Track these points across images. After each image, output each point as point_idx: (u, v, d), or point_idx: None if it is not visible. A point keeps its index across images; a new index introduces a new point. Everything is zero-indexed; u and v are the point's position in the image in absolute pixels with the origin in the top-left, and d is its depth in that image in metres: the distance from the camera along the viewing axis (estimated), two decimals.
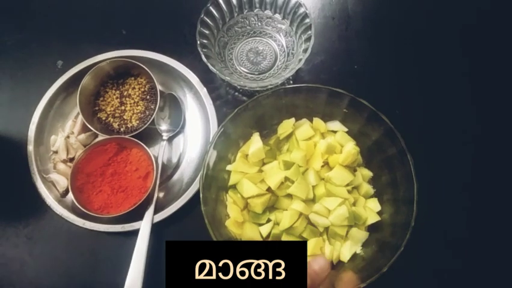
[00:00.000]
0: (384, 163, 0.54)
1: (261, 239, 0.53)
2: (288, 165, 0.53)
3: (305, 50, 0.59)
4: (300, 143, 0.55)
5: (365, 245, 0.53)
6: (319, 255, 0.51)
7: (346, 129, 0.57)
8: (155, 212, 0.58)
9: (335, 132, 0.57)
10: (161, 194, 0.61)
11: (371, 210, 0.54)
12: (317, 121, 0.58)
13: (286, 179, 0.53)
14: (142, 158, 0.61)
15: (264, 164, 0.56)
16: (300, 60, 0.59)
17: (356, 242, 0.53)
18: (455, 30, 0.69)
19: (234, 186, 0.55)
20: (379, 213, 0.53)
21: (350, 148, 0.54)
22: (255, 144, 0.55)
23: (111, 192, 0.59)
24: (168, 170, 0.63)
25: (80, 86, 0.62)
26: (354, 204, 0.54)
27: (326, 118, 0.58)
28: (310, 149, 0.55)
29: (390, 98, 0.64)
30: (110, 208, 0.59)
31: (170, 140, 0.64)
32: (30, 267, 0.59)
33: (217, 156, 0.54)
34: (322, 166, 0.54)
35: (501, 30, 0.69)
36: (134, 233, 0.57)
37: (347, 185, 0.53)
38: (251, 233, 0.52)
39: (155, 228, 0.58)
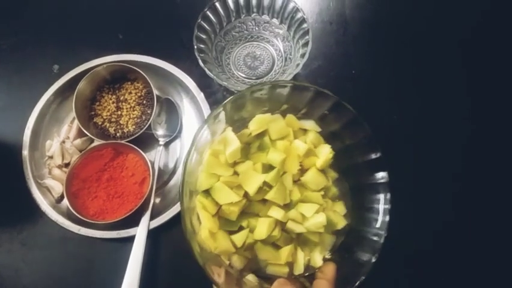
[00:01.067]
0: (351, 168, 0.52)
1: (234, 250, 0.47)
2: (265, 168, 0.48)
3: (303, 55, 0.59)
4: (277, 143, 0.50)
5: (333, 250, 0.50)
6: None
7: (319, 129, 0.52)
8: (152, 218, 0.58)
9: (305, 130, 0.53)
10: (157, 200, 0.61)
11: (338, 214, 0.50)
12: (290, 117, 0.52)
13: (264, 183, 0.47)
14: (138, 164, 0.60)
15: (236, 164, 0.49)
16: (298, 65, 0.59)
17: (326, 247, 0.50)
18: (453, 35, 0.69)
19: (206, 191, 0.48)
20: (345, 216, 0.51)
21: (326, 152, 0.50)
22: (232, 143, 0.48)
23: (107, 198, 0.59)
24: (165, 176, 0.63)
25: (76, 90, 0.61)
26: (325, 209, 0.50)
27: (301, 116, 0.53)
28: (287, 150, 0.49)
29: (388, 102, 0.64)
30: (106, 214, 0.58)
31: (166, 145, 0.64)
32: (24, 274, 0.59)
33: (196, 157, 0.47)
34: (298, 169, 0.49)
35: (502, 34, 0.69)
36: (130, 239, 0.56)
37: (321, 189, 0.50)
38: (225, 243, 0.46)
39: (152, 234, 0.57)
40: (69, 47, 0.70)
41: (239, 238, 0.47)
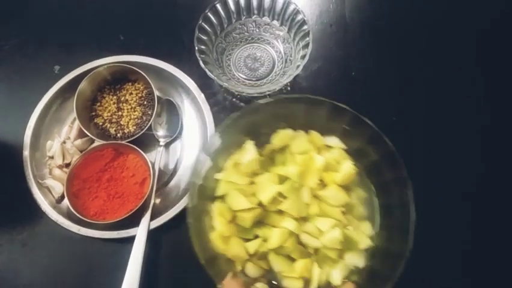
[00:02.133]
0: (382, 186, 0.52)
1: (246, 257, 0.49)
2: (282, 180, 0.50)
3: (303, 57, 0.59)
4: (296, 156, 0.52)
5: (355, 270, 0.50)
6: None
7: (344, 147, 0.54)
8: (152, 218, 0.58)
9: (330, 147, 0.54)
10: (157, 200, 0.61)
11: (363, 234, 0.50)
12: (314, 134, 0.54)
13: (279, 194, 0.49)
14: (138, 164, 0.61)
15: (255, 174, 0.52)
16: (298, 66, 0.59)
17: (349, 266, 0.49)
18: (454, 36, 0.70)
19: (222, 197, 0.51)
20: (371, 238, 0.51)
21: (348, 168, 0.51)
22: (249, 153, 0.51)
23: (107, 198, 0.59)
24: (165, 176, 0.63)
25: (77, 91, 0.61)
26: (346, 226, 0.50)
27: (324, 132, 0.55)
28: (306, 164, 0.51)
29: (388, 104, 0.64)
30: (106, 214, 0.58)
31: (167, 146, 0.64)
32: (24, 274, 0.59)
33: (209, 163, 0.51)
34: (317, 184, 0.51)
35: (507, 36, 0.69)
36: (130, 239, 0.56)
37: (341, 206, 0.50)
38: (237, 248, 0.49)
39: (152, 234, 0.57)
40: (70, 47, 0.70)
41: (252, 245, 0.49)
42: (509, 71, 0.67)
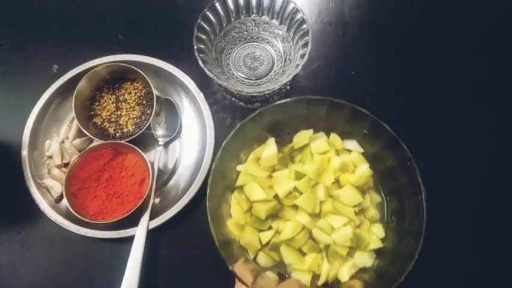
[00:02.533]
0: (395, 191, 0.54)
1: (259, 246, 0.52)
2: (299, 176, 0.52)
3: (302, 56, 0.59)
4: (315, 156, 0.55)
5: (363, 269, 0.52)
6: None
7: (362, 150, 0.56)
8: (151, 218, 0.58)
9: (350, 151, 0.57)
10: (157, 200, 0.61)
11: (374, 235, 0.53)
12: (334, 137, 0.57)
13: (295, 189, 0.52)
14: (137, 164, 0.60)
15: (274, 170, 0.56)
16: (297, 65, 0.59)
17: (358, 265, 0.52)
18: (453, 35, 0.70)
19: (240, 187, 0.55)
20: (382, 240, 0.53)
21: (363, 170, 0.53)
22: (270, 149, 0.54)
23: (106, 198, 0.59)
24: (164, 176, 0.63)
25: (76, 90, 0.61)
26: (358, 226, 0.53)
27: (344, 136, 0.57)
28: (324, 163, 0.54)
29: (387, 103, 0.64)
30: (105, 214, 0.58)
31: (166, 145, 0.64)
32: (23, 274, 0.58)
33: (229, 153, 0.53)
34: (333, 183, 0.54)
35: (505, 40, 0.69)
36: (129, 239, 0.56)
37: (355, 206, 0.52)
38: (251, 237, 0.52)
39: (151, 234, 0.57)
40: (69, 47, 0.70)
41: (265, 236, 0.52)
42: (510, 70, 0.67)
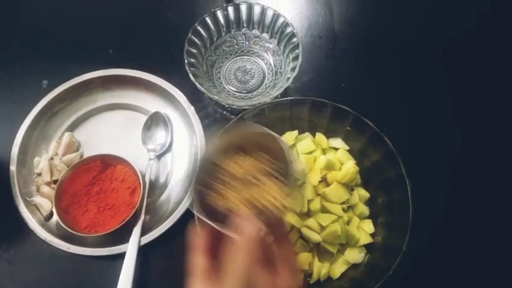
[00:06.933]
0: (382, 185, 0.55)
1: None
2: None
3: (293, 69, 0.59)
4: (301, 156, 0.56)
5: (354, 265, 0.53)
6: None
7: (347, 148, 0.57)
8: (142, 233, 0.57)
9: (336, 149, 0.58)
10: (148, 215, 0.60)
11: (364, 231, 0.53)
12: (319, 136, 0.58)
13: None
14: (127, 174, 0.60)
15: None
16: (288, 78, 0.59)
17: (349, 261, 0.52)
18: (439, 47, 0.71)
19: None
20: (372, 235, 0.53)
21: (349, 166, 0.54)
22: None
23: (98, 211, 0.58)
24: (156, 190, 0.62)
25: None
26: (348, 223, 0.54)
27: (329, 134, 0.59)
28: (310, 163, 0.55)
29: (377, 115, 0.64)
30: (98, 227, 0.57)
31: (157, 159, 0.64)
32: None
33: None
34: (320, 181, 0.54)
35: (484, 46, 0.71)
36: (121, 256, 0.55)
37: (343, 203, 0.53)
38: None
39: (142, 250, 0.56)
40: (59, 61, 0.69)
41: None
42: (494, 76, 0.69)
